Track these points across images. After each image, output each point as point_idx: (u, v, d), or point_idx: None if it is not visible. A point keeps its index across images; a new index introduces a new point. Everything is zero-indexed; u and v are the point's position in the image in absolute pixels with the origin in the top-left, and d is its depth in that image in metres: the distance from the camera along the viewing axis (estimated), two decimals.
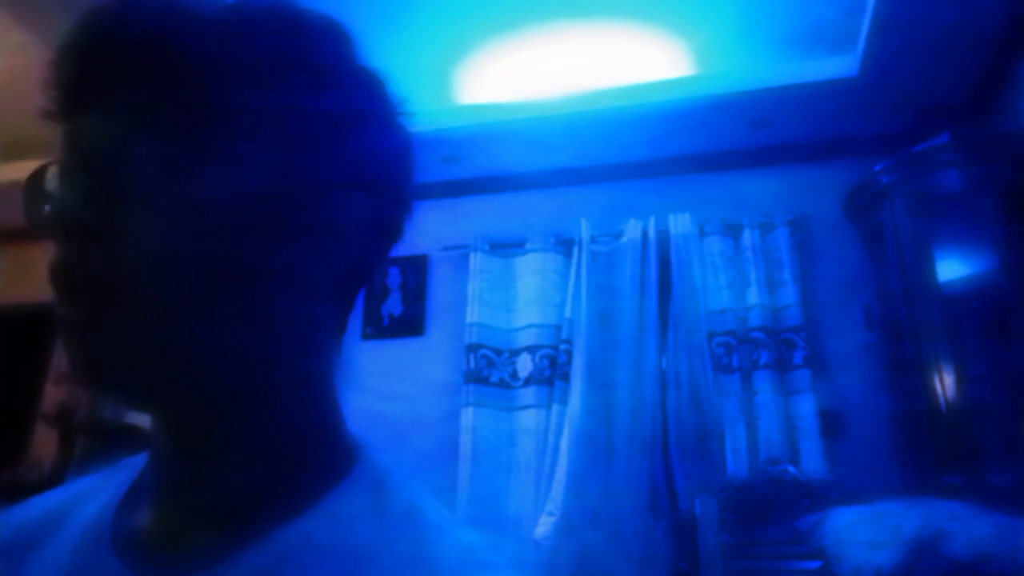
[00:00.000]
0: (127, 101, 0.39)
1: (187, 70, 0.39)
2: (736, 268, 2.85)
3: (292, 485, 0.43)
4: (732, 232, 2.91)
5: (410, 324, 3.14)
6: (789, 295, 2.74)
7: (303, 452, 0.45)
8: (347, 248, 0.44)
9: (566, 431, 2.69)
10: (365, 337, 3.12)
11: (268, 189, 0.41)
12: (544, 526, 2.55)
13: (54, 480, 2.91)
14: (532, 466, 2.72)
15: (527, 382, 2.89)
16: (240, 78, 0.40)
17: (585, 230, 2.99)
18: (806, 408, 2.57)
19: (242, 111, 0.40)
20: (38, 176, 0.42)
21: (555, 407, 2.76)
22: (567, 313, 2.88)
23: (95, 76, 0.40)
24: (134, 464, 0.50)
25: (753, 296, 2.75)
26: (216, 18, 0.41)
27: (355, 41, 0.45)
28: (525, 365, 2.92)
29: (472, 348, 2.92)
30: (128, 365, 0.39)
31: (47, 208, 0.40)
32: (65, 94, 0.41)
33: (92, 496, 0.48)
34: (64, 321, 0.39)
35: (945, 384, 2.20)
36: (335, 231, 0.44)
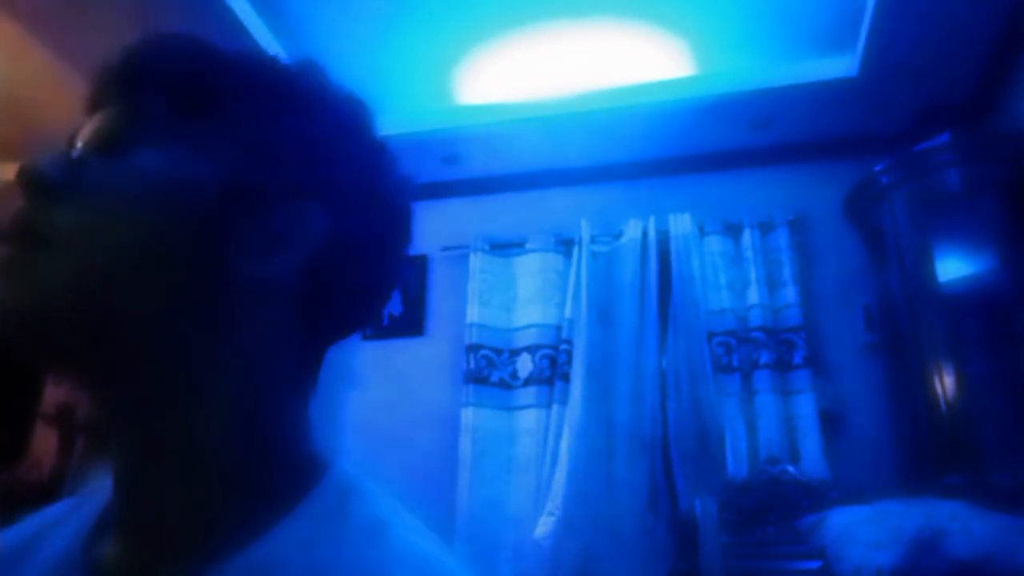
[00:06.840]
0: (132, 101, 0.46)
1: (175, 84, 0.46)
2: (736, 268, 2.85)
3: (251, 507, 0.43)
4: (732, 232, 2.91)
5: (410, 324, 3.14)
6: (789, 295, 2.74)
7: (259, 472, 0.45)
8: (295, 254, 0.46)
9: (566, 431, 2.68)
10: (365, 337, 3.12)
11: (225, 182, 0.44)
12: (544, 526, 2.54)
13: (54, 480, 2.91)
14: (532, 466, 2.72)
15: (527, 382, 2.88)
16: (217, 93, 0.46)
17: (585, 230, 2.99)
18: (806, 408, 2.57)
19: (212, 113, 0.46)
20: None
21: (555, 407, 2.76)
22: (567, 313, 2.88)
23: (114, 84, 0.48)
24: (101, 493, 0.50)
25: (753, 296, 2.75)
26: (204, 50, 0.49)
27: (327, 73, 0.51)
28: (525, 365, 2.91)
29: (472, 348, 2.92)
30: (46, 312, 0.40)
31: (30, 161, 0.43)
32: (92, 96, 0.48)
33: (59, 526, 0.49)
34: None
35: (945, 384, 2.20)
36: (284, 235, 0.45)
